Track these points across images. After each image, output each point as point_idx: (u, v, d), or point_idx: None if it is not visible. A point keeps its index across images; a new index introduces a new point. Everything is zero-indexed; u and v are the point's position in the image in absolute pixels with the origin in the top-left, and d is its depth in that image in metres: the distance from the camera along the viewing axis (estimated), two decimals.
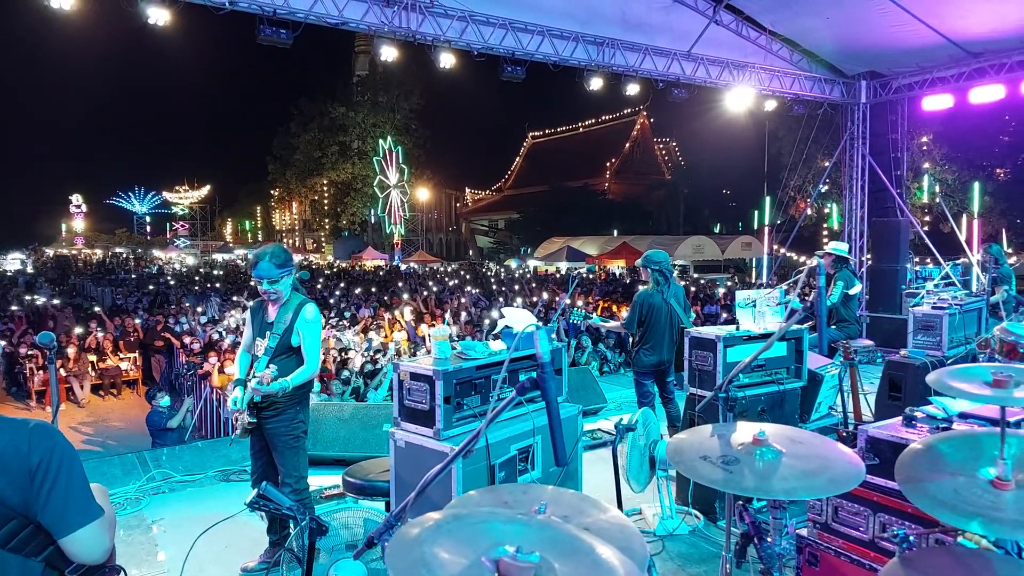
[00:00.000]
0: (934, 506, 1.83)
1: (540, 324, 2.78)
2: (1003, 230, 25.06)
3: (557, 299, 16.86)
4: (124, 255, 49.04)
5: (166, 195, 68.80)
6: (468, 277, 27.11)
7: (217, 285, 24.60)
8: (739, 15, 11.32)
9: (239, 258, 44.45)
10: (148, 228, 72.88)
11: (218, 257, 47.76)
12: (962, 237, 16.93)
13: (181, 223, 69.58)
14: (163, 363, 13.24)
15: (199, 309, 16.42)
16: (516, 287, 22.13)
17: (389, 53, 9.37)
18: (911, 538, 2.06)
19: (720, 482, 1.87)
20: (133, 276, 29.70)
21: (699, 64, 11.26)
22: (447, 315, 14.97)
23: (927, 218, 25.33)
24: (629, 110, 54.48)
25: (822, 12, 10.71)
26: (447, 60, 9.66)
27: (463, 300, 17.98)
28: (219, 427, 9.44)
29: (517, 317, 3.53)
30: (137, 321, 14.62)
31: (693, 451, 2.01)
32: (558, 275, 30.19)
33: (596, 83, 10.78)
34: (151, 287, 23.62)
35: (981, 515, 1.76)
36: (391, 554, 0.99)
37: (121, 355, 13.35)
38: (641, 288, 5.91)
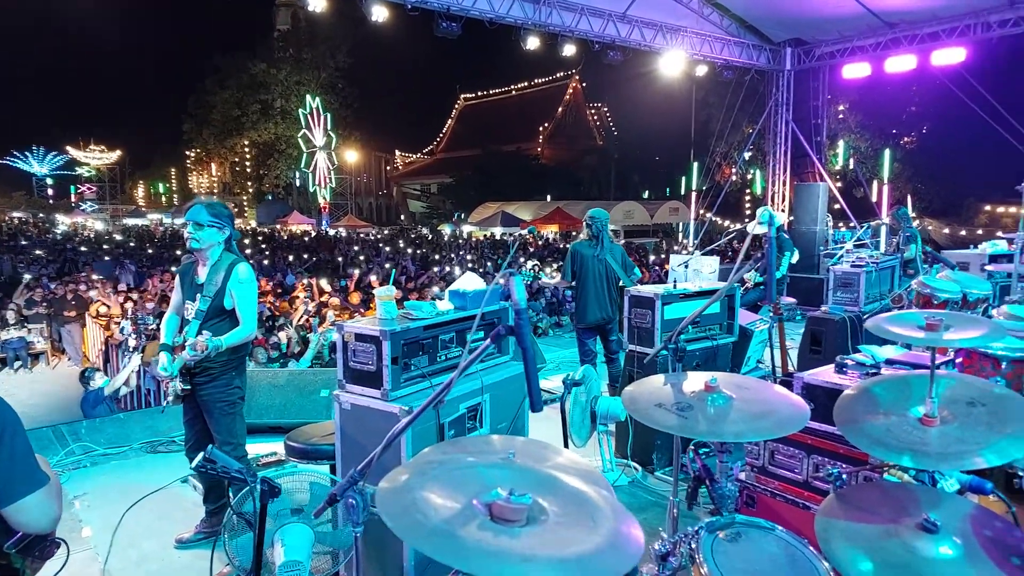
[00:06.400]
0: (870, 444, 1.95)
1: (514, 271, 2.76)
2: (908, 195, 26.68)
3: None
4: (23, 220, 45.44)
5: (71, 153, 63.40)
6: (402, 244, 26.70)
7: (132, 248, 23.24)
8: None
9: (152, 223, 42.06)
10: (50, 191, 67.49)
11: (129, 222, 45.01)
12: (873, 201, 17.98)
13: (88, 186, 64.70)
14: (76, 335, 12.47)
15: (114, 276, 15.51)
16: (460, 252, 21.94)
17: (318, 3, 8.92)
18: (844, 476, 2.19)
19: (675, 427, 1.92)
20: (28, 241, 27.44)
21: (634, 26, 11.30)
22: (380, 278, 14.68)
23: (840, 184, 26.63)
24: (561, 74, 54.39)
25: None
26: (379, 13, 9.29)
27: (405, 264, 17.73)
28: (142, 397, 9.00)
29: (468, 280, 3.52)
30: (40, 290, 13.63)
31: (647, 399, 2.05)
32: (496, 239, 30.10)
33: (532, 42, 10.67)
34: (57, 253, 22.07)
35: (911, 450, 1.89)
36: (382, 500, 0.96)
37: (28, 326, 12.48)
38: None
